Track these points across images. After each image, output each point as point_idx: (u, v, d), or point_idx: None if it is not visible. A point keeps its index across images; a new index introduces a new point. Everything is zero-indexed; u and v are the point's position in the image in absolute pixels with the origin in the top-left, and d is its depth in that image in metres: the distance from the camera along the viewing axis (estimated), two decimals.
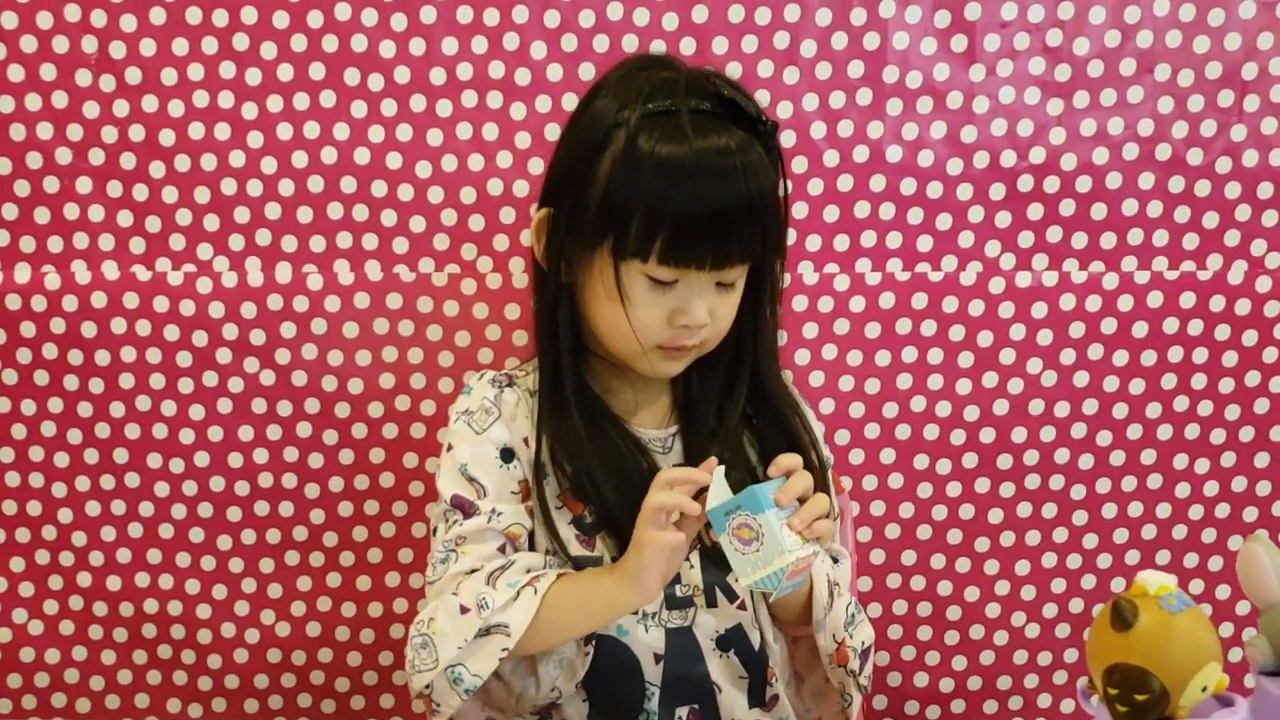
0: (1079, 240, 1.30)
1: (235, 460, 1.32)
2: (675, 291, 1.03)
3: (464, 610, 1.00)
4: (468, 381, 1.13)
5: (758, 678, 1.09)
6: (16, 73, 1.24)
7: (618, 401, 1.11)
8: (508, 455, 1.08)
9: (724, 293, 1.05)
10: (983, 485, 1.35)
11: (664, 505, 0.96)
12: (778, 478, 0.97)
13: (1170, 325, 1.31)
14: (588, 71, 1.25)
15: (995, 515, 1.36)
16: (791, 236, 1.28)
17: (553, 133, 1.26)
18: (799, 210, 1.28)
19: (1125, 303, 1.31)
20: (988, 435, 1.33)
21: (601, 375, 1.11)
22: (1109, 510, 1.36)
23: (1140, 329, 1.31)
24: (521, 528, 1.07)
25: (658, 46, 1.25)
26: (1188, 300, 1.31)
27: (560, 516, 1.08)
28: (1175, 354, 1.32)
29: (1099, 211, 1.30)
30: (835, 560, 1.12)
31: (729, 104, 1.01)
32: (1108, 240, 1.30)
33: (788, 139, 1.27)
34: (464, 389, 1.13)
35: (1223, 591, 1.39)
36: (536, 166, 1.26)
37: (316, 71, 1.25)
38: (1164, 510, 1.36)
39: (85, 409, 1.30)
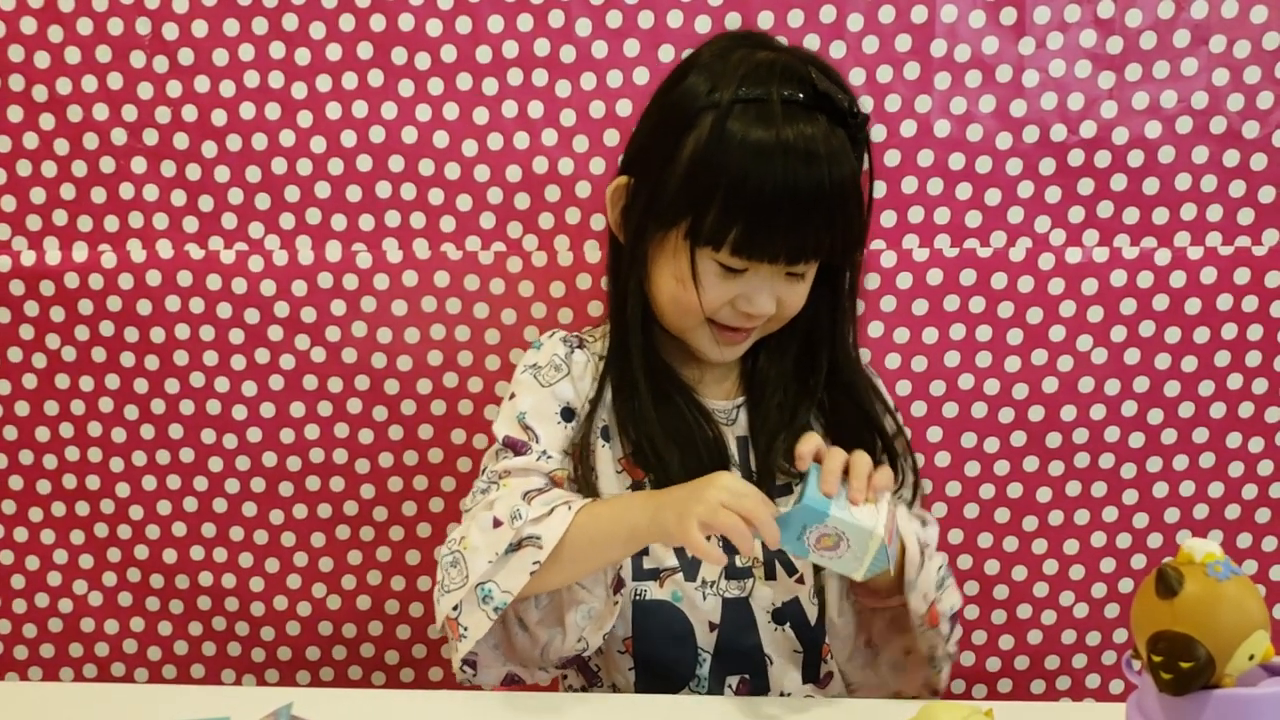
0: (1130, 215, 1.28)
1: (287, 436, 1.34)
2: (744, 279, 1.03)
3: (497, 523, 1.00)
4: (538, 339, 1.14)
5: (812, 652, 1.09)
6: (73, 55, 1.26)
7: (685, 371, 1.12)
8: (568, 414, 1.09)
9: (793, 282, 1.05)
10: (1031, 464, 1.34)
11: (722, 524, 0.92)
12: (810, 466, 0.95)
13: (1224, 301, 1.29)
14: (632, 48, 1.25)
15: (1044, 494, 1.34)
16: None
17: (598, 110, 1.26)
18: None
19: (1178, 279, 1.29)
20: (1036, 413, 1.32)
21: (669, 345, 1.11)
22: (1160, 489, 1.34)
23: (1193, 305, 1.29)
24: (565, 475, 1.07)
25: (733, 21, 1.25)
26: (1242, 276, 1.29)
27: (620, 481, 1.08)
28: (1229, 330, 1.30)
29: (1151, 186, 1.28)
30: (924, 523, 1.10)
31: (823, 96, 1.00)
32: (1160, 215, 1.28)
33: None
34: (534, 344, 1.14)
35: (1276, 572, 1.36)
36: (581, 144, 1.27)
37: (364, 51, 1.26)
38: (1216, 489, 1.34)
39: (141, 385, 1.33)
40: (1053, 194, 1.28)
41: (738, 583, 1.07)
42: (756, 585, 1.07)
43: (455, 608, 1.00)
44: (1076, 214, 1.28)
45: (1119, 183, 1.28)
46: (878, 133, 1.26)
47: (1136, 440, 1.33)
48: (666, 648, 1.06)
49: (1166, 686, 0.70)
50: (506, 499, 1.02)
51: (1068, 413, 1.32)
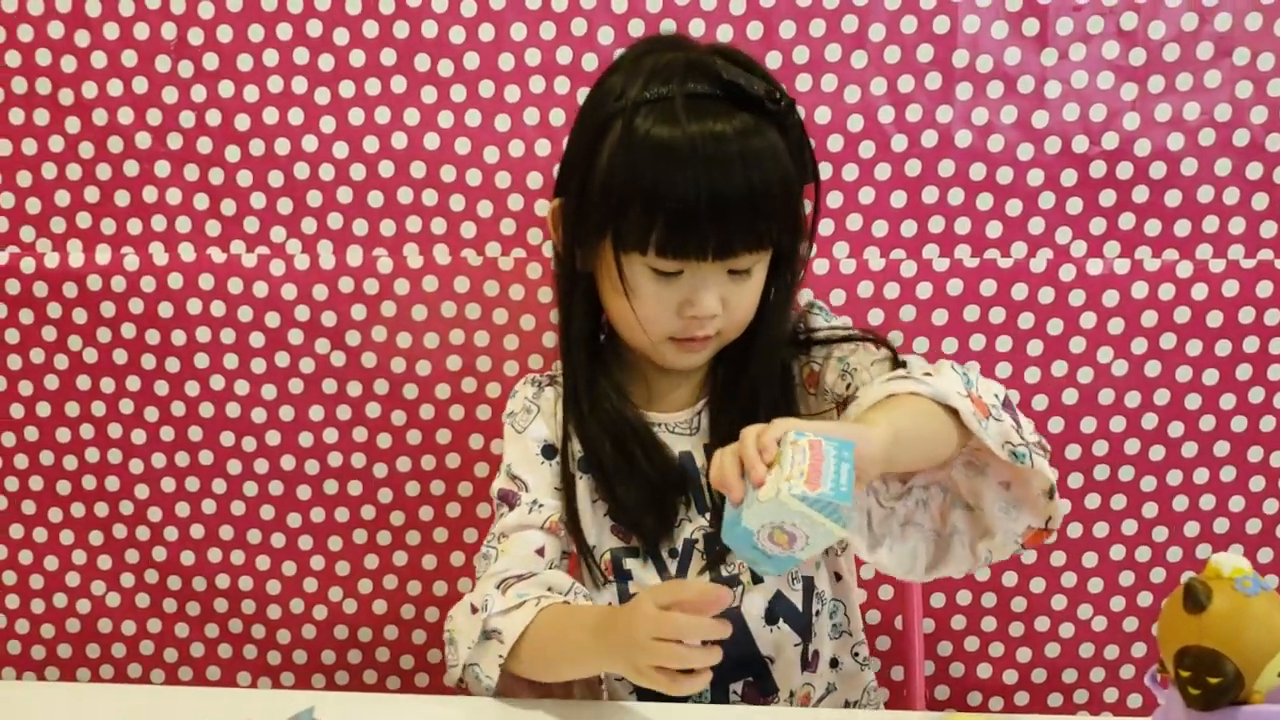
0: (1152, 228, 1.28)
1: (306, 439, 1.35)
2: (682, 282, 1.00)
3: (474, 610, 1.01)
4: (515, 386, 1.15)
5: (807, 638, 1.08)
6: (100, 59, 1.27)
7: (640, 388, 1.10)
8: (549, 452, 1.09)
9: (739, 281, 1.01)
10: None
11: (665, 658, 0.86)
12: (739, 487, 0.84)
13: (1246, 315, 1.29)
14: None
15: (1062, 506, 1.33)
16: (859, 225, 1.28)
17: None
18: (865, 195, 1.27)
19: (1199, 291, 1.28)
20: (1056, 425, 1.32)
21: (627, 362, 1.10)
22: (1180, 503, 1.33)
23: (1215, 318, 1.29)
24: (561, 519, 1.07)
25: (668, 26, 1.24)
26: (1264, 289, 1.28)
27: (596, 511, 1.08)
28: (1251, 344, 1.29)
29: (1173, 198, 1.27)
30: (965, 378, 0.94)
31: (729, 86, 0.97)
32: (1182, 228, 1.28)
33: (855, 123, 1.26)
34: (511, 393, 1.14)
35: None
36: None
37: (388, 57, 1.27)
38: (1237, 504, 1.33)
39: (161, 387, 1.34)
40: (1074, 205, 1.28)
41: (730, 587, 1.05)
42: (746, 592, 1.06)
43: (460, 680, 1.02)
44: (1098, 225, 1.28)
45: (1141, 194, 1.27)
46: (897, 142, 1.26)
47: (1157, 453, 1.32)
48: None
49: (1194, 702, 0.70)
50: (483, 584, 1.03)
51: (1087, 425, 1.32)
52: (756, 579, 1.06)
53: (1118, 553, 1.35)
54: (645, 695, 1.05)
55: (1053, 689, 1.38)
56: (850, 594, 1.13)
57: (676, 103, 0.96)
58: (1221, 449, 1.32)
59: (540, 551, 1.05)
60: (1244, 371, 1.30)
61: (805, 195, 1.05)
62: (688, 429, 1.09)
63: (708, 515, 1.08)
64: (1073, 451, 1.32)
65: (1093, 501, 1.33)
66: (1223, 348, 1.30)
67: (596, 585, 1.08)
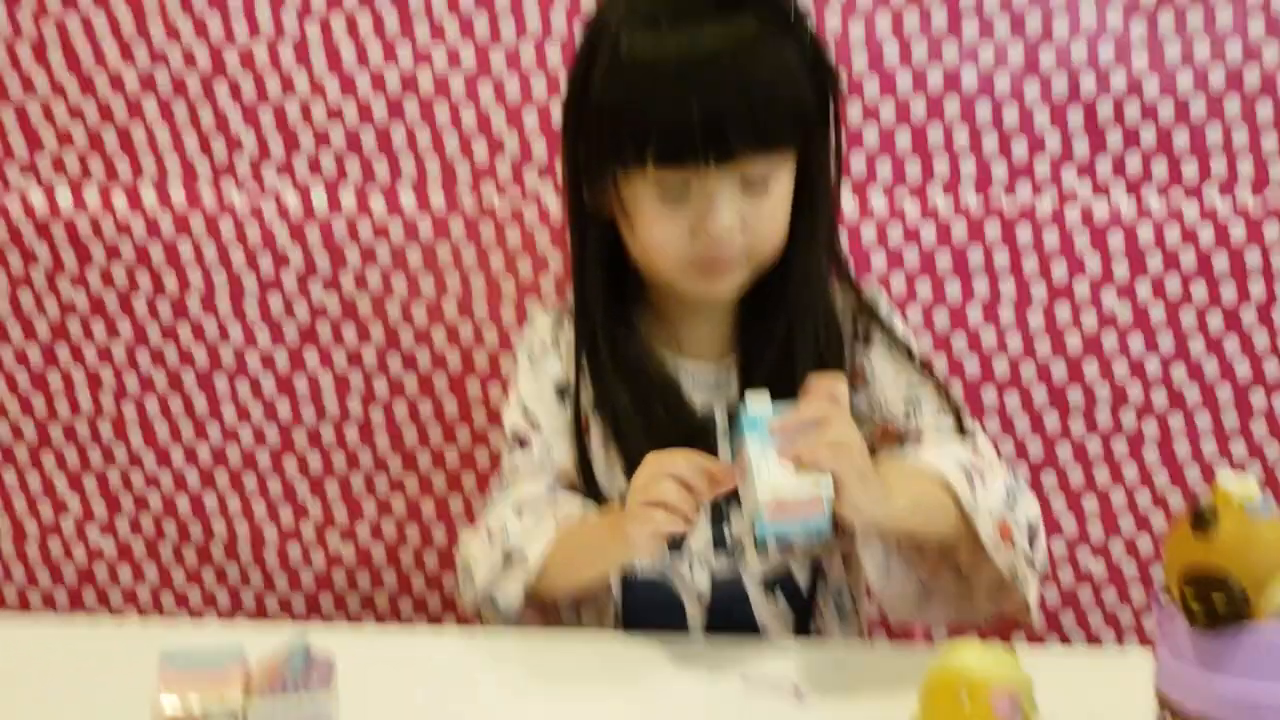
0: (1159, 169, 1.26)
1: (301, 385, 1.33)
2: (692, 201, 0.96)
3: (490, 536, 1.01)
4: (530, 312, 1.12)
5: (804, 616, 1.07)
6: None
7: (667, 333, 1.06)
8: (563, 392, 1.07)
9: (756, 194, 0.97)
10: (1052, 421, 1.32)
11: (652, 498, 0.90)
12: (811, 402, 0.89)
13: (1253, 258, 1.27)
14: None
15: (1064, 451, 1.33)
16: (862, 166, 1.26)
17: None
18: (869, 135, 1.25)
19: (1206, 234, 1.26)
20: (1059, 369, 1.30)
21: (654, 304, 1.07)
22: (1182, 448, 1.33)
23: (1221, 262, 1.27)
24: (575, 467, 1.06)
25: None
26: (1272, 232, 1.26)
27: (611, 453, 1.05)
28: (1257, 288, 1.28)
29: (1181, 139, 1.25)
30: (967, 432, 1.04)
31: None
32: (1190, 169, 1.26)
33: (859, 61, 1.23)
34: (527, 320, 1.12)
35: None
36: None
37: None
38: (1239, 449, 1.33)
39: (154, 332, 1.32)
40: (1080, 146, 1.25)
41: (727, 554, 1.05)
42: (747, 559, 1.05)
43: (476, 613, 1.02)
44: (1104, 167, 1.26)
45: (1149, 135, 1.25)
46: (902, 80, 1.24)
47: (1159, 398, 1.31)
48: (655, 623, 1.03)
49: (1198, 623, 0.69)
50: (498, 511, 1.03)
51: (1090, 369, 1.30)
52: (761, 547, 1.05)
53: (1118, 498, 1.34)
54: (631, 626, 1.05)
55: (1050, 631, 1.38)
56: (858, 577, 1.11)
57: (660, 13, 0.94)
58: (1225, 394, 1.31)
59: (551, 490, 1.05)
60: (1249, 315, 1.29)
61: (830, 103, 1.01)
62: (714, 383, 1.06)
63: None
64: (1075, 397, 1.31)
65: (1094, 446, 1.33)
66: (1228, 291, 1.28)
67: None
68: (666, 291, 1.04)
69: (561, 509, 1.03)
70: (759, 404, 0.89)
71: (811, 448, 0.86)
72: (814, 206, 1.02)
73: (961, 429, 1.05)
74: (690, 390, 1.05)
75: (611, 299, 1.04)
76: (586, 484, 1.05)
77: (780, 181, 0.98)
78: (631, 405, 1.03)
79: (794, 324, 1.02)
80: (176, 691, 0.77)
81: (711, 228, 0.96)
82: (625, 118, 0.94)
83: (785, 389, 0.92)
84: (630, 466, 1.02)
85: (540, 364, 1.08)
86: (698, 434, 0.99)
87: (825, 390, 0.90)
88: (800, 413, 0.88)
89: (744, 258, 0.99)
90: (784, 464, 0.85)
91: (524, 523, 1.01)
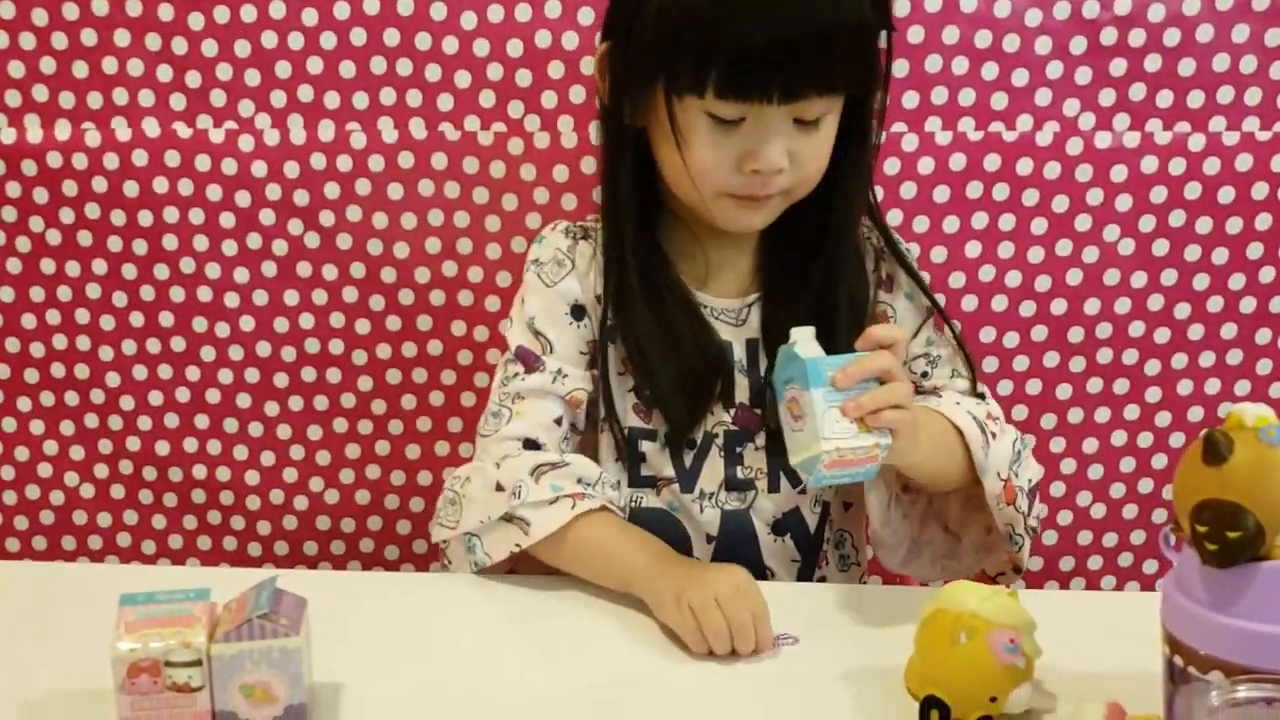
0: (1164, 99, 1.22)
1: (281, 325, 1.30)
2: (743, 132, 0.94)
3: (499, 488, 0.98)
4: (541, 232, 1.09)
5: (809, 560, 1.06)
6: None
7: (689, 265, 1.04)
8: (579, 312, 1.04)
9: (806, 132, 0.95)
10: (1051, 359, 1.29)
11: (709, 625, 0.87)
12: (863, 350, 0.89)
13: (1259, 190, 1.23)
14: None
15: (1064, 390, 1.30)
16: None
17: None
18: None
19: (1211, 166, 1.23)
20: (1059, 306, 1.27)
21: (676, 234, 1.05)
22: (1184, 387, 1.30)
23: (1226, 194, 1.24)
24: (584, 393, 1.03)
25: None
26: (1279, 163, 1.23)
27: (621, 383, 1.04)
28: (1263, 221, 1.25)
29: (1187, 67, 1.21)
30: (981, 396, 1.05)
31: None
32: (1195, 99, 1.22)
33: None
34: (537, 238, 1.08)
35: None
36: (587, 16, 1.20)
37: None
38: (1243, 387, 1.30)
39: (129, 270, 1.28)
40: (1083, 75, 1.21)
41: (739, 494, 1.04)
42: (759, 497, 1.04)
43: (444, 542, 1.00)
44: (1107, 96, 1.22)
45: (1153, 64, 1.21)
46: (900, 7, 1.20)
47: (1162, 335, 1.28)
48: None
49: (1211, 558, 0.66)
50: (517, 466, 0.99)
51: (1091, 306, 1.27)
52: (771, 487, 1.03)
53: (1119, 438, 1.31)
54: None
55: (1049, 577, 1.36)
56: (858, 524, 1.10)
57: None
58: (1229, 331, 1.28)
59: (558, 421, 1.02)
60: (1255, 250, 1.26)
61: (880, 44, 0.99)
62: (734, 319, 1.04)
63: (733, 411, 1.04)
64: (1075, 334, 1.28)
65: (1095, 385, 1.30)
66: (1234, 225, 1.25)
67: (611, 459, 1.04)
68: (693, 220, 1.02)
69: (578, 477, 0.99)
70: (808, 343, 0.89)
71: (878, 409, 0.87)
72: (860, 149, 1.00)
73: (976, 393, 1.06)
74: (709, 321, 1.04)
75: (643, 220, 1.02)
76: (606, 410, 1.03)
77: (831, 121, 0.97)
78: (655, 326, 1.00)
79: (837, 265, 1.01)
80: (136, 633, 0.75)
81: (761, 163, 0.94)
82: (689, 40, 0.91)
83: (822, 330, 0.91)
84: (642, 391, 1.02)
85: (554, 282, 1.05)
86: (719, 363, 1.01)
87: (888, 338, 0.90)
88: (864, 364, 0.88)
89: (782, 193, 0.98)
90: (840, 418, 0.86)
91: (540, 490, 0.97)
